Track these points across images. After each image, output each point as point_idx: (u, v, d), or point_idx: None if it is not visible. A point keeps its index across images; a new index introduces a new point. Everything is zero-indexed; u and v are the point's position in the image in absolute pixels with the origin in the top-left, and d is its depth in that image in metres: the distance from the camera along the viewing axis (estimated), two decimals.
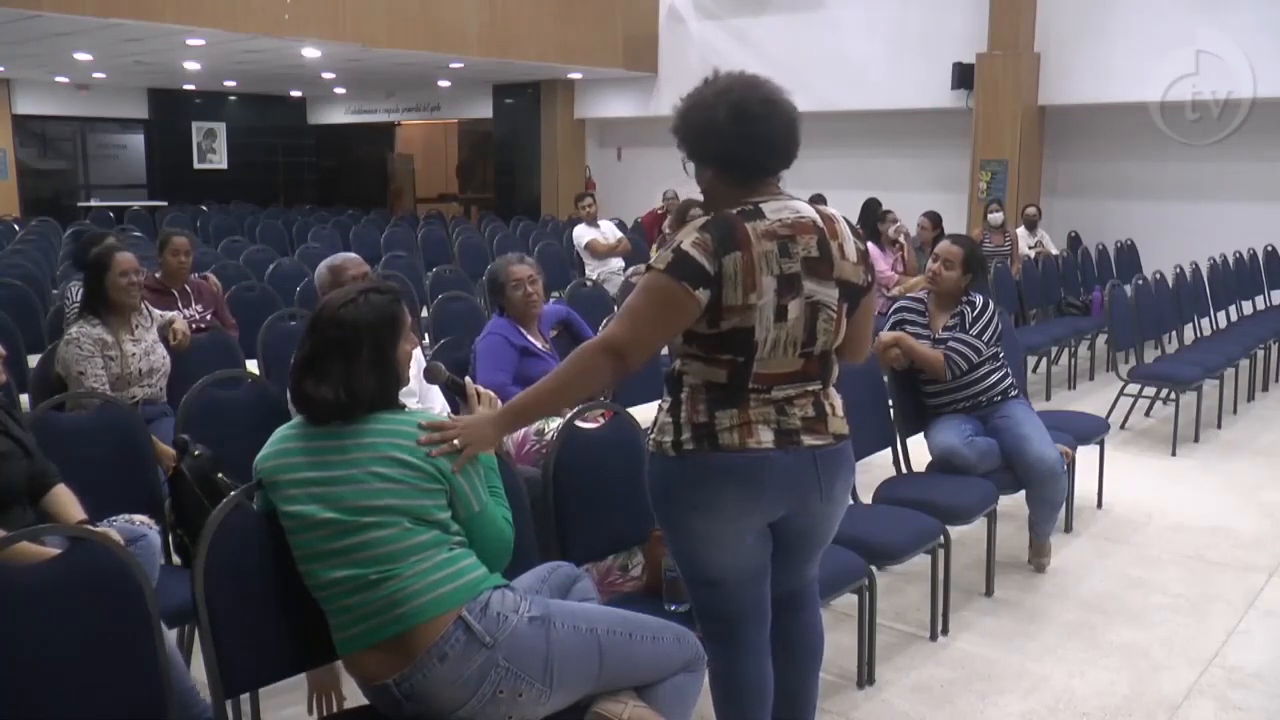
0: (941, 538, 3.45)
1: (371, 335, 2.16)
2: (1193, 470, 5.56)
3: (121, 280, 3.99)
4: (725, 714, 2.40)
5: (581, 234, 8.60)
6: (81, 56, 12.90)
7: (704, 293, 2.10)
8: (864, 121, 11.45)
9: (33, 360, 4.50)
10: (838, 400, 2.31)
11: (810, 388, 2.25)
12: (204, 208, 14.55)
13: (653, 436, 2.28)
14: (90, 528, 2.40)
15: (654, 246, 8.63)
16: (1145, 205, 10.79)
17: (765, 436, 2.19)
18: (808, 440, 2.23)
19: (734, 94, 2.18)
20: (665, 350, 2.35)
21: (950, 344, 3.99)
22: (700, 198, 2.39)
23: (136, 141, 18.56)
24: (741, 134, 2.17)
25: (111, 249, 4.14)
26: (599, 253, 8.49)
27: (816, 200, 2.32)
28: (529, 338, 3.98)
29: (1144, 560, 4.27)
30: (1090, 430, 4.68)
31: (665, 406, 2.26)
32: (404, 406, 2.21)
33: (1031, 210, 9.92)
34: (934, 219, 8.68)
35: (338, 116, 19.56)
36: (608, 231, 8.81)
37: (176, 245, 5.15)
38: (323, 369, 2.13)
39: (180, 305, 5.03)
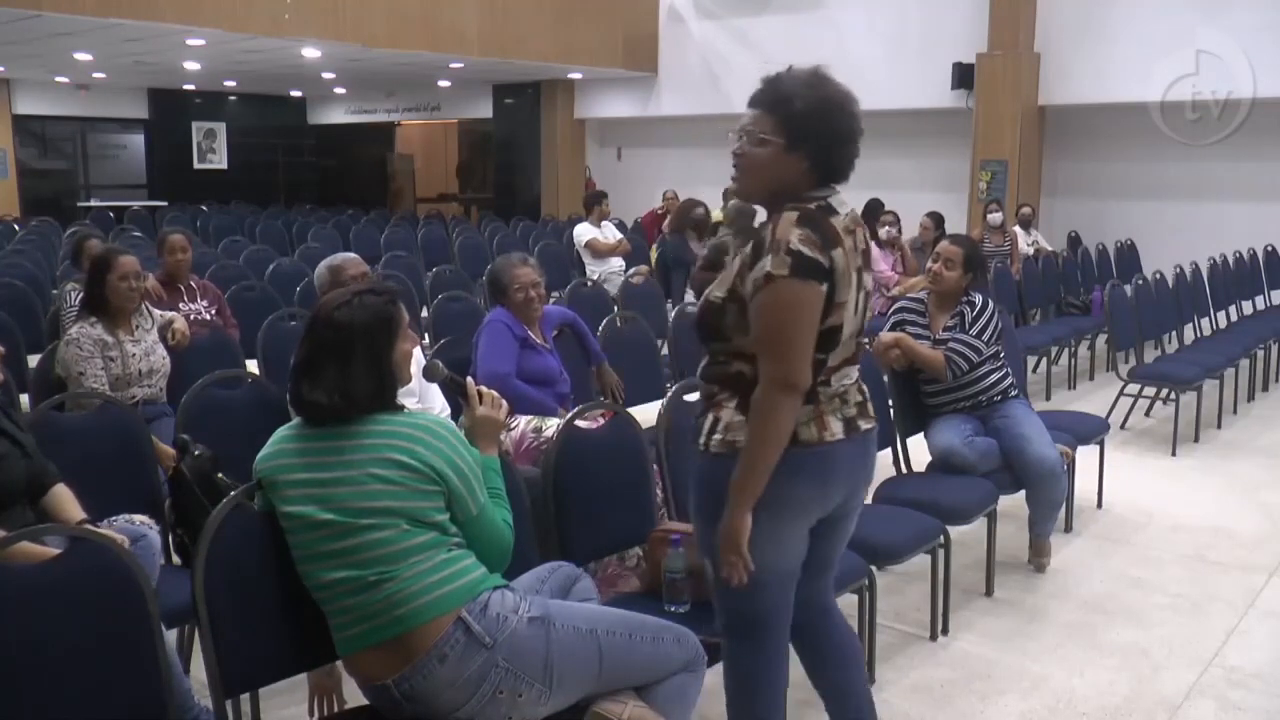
0: (941, 538, 3.45)
1: (366, 337, 2.14)
2: (1193, 470, 5.56)
3: (121, 284, 3.98)
4: (741, 710, 2.38)
5: (582, 233, 8.61)
6: (81, 56, 12.90)
7: (825, 287, 2.09)
8: (864, 121, 11.40)
9: (33, 360, 4.50)
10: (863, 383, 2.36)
11: (855, 373, 2.28)
12: (204, 208, 14.52)
13: (719, 438, 2.20)
14: (91, 528, 2.41)
15: (653, 247, 8.63)
16: (1145, 205, 10.79)
17: (836, 428, 2.20)
18: (863, 425, 2.27)
19: (854, 105, 2.19)
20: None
21: (950, 344, 3.99)
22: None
23: (136, 141, 18.56)
24: (855, 151, 2.19)
25: (115, 251, 4.15)
26: (599, 252, 8.50)
27: None
28: (528, 332, 3.98)
29: (1144, 560, 4.27)
30: (1090, 430, 4.68)
31: (733, 406, 2.20)
32: (403, 408, 2.21)
33: (1026, 210, 9.97)
34: (936, 219, 8.69)
35: (338, 116, 19.56)
36: (608, 232, 8.82)
37: (173, 244, 5.20)
38: (318, 372, 2.13)
39: (186, 299, 5.08)
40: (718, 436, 2.21)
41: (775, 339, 2.09)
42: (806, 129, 2.14)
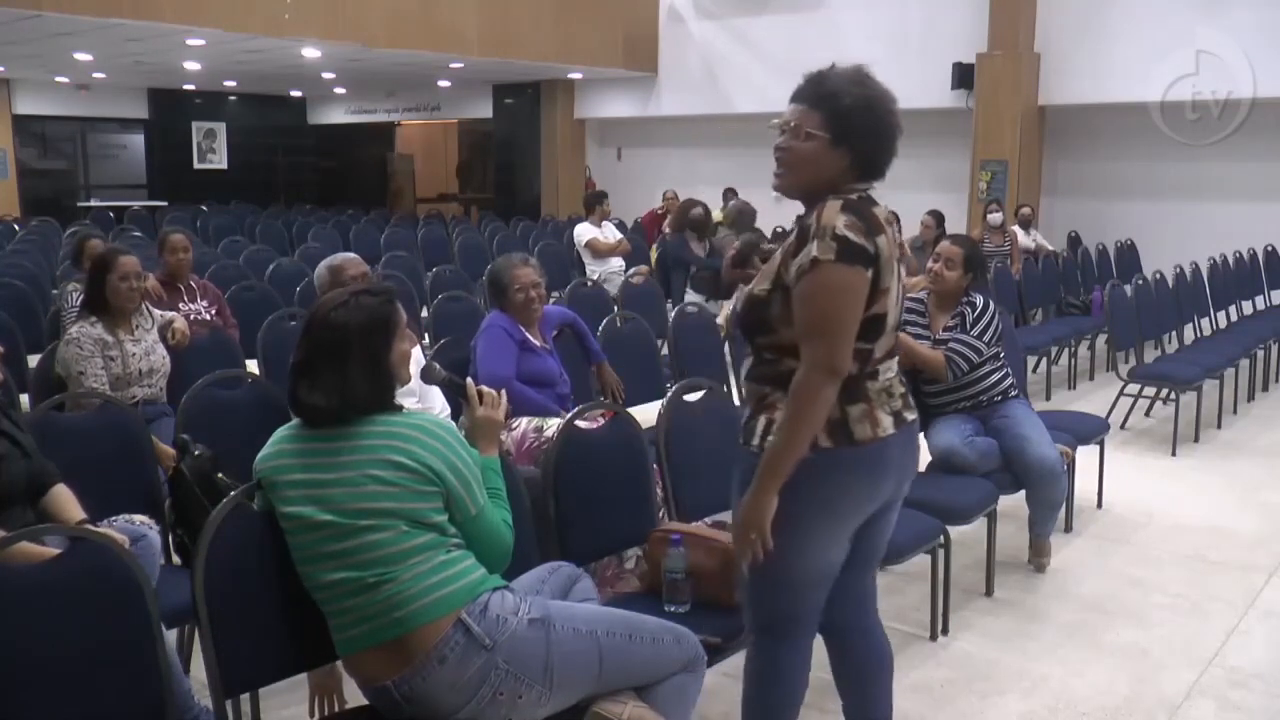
0: (941, 538, 3.45)
1: (362, 338, 2.13)
2: (1193, 470, 5.56)
3: (121, 284, 3.98)
4: (756, 707, 2.39)
5: (583, 233, 8.62)
6: (81, 56, 12.90)
7: (870, 272, 2.10)
8: None
9: (33, 360, 4.50)
10: None
11: (895, 365, 2.29)
12: (204, 208, 14.53)
13: (774, 437, 2.16)
14: (91, 528, 2.41)
15: (653, 247, 8.63)
16: (1145, 205, 10.80)
17: (886, 423, 2.21)
18: (908, 416, 2.28)
19: (895, 104, 2.19)
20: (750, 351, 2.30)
21: (951, 345, 3.99)
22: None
23: (136, 141, 18.56)
24: (895, 148, 2.20)
25: (116, 251, 4.15)
26: (599, 252, 8.51)
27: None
28: (527, 335, 3.98)
29: (1144, 560, 4.27)
30: (1090, 430, 4.68)
31: (785, 404, 2.14)
32: (400, 408, 2.20)
33: (1026, 210, 10.01)
34: (938, 218, 8.72)
35: (338, 116, 19.57)
36: (608, 232, 8.84)
37: (174, 243, 5.20)
38: (315, 374, 2.12)
39: (186, 299, 5.08)
40: (773, 439, 2.17)
41: (819, 323, 2.09)
42: (852, 125, 2.15)
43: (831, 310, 2.08)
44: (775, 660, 2.35)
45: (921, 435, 4.01)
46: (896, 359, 2.30)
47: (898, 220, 8.55)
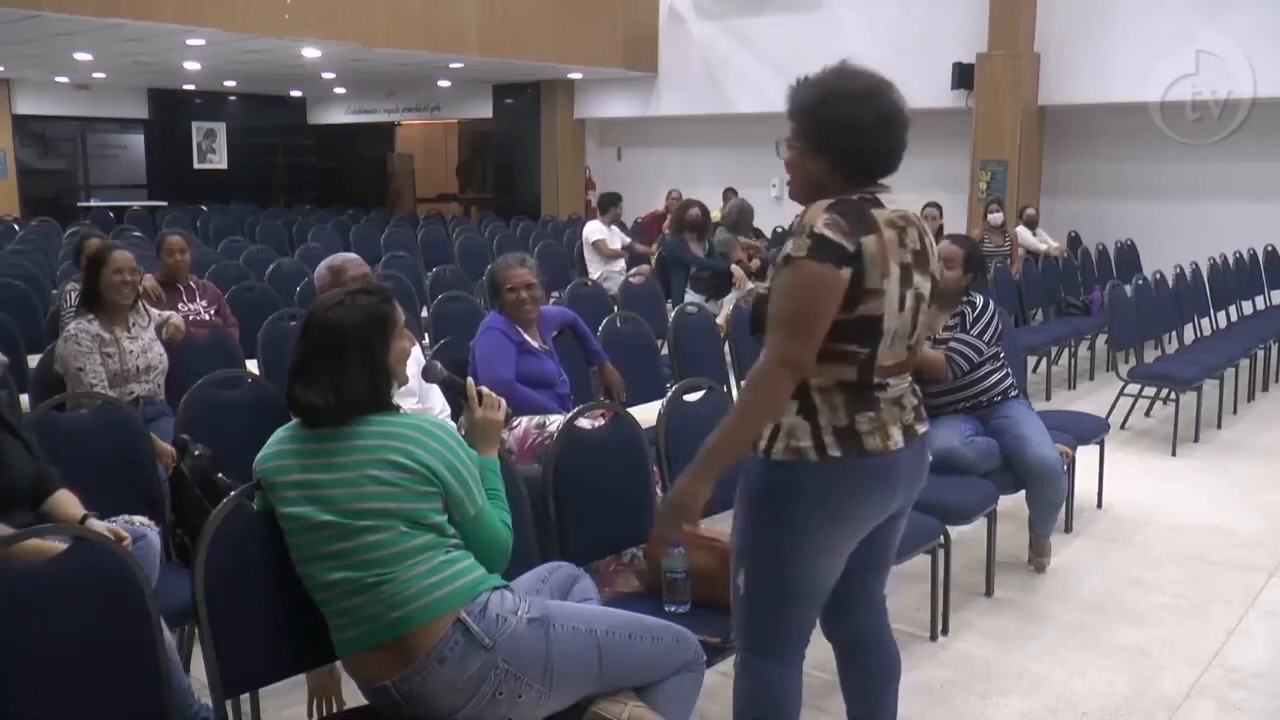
0: (941, 538, 3.45)
1: (359, 337, 2.13)
2: (1193, 470, 5.56)
3: (115, 278, 4.00)
4: None
5: (592, 231, 8.65)
6: (81, 56, 12.90)
7: (847, 271, 2.06)
8: None
9: (33, 360, 4.50)
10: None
11: (908, 379, 2.27)
12: (204, 208, 14.53)
13: (781, 445, 2.14)
14: (96, 521, 2.40)
15: (653, 246, 8.64)
16: (1145, 205, 10.80)
17: (898, 436, 2.19)
18: (920, 429, 2.27)
19: (882, 99, 2.13)
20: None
21: (951, 344, 3.99)
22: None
23: (136, 141, 18.55)
24: (883, 139, 2.14)
25: (110, 247, 4.18)
26: (605, 253, 8.56)
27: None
28: (525, 336, 3.98)
29: (1144, 560, 4.27)
30: (1090, 430, 4.68)
31: (793, 410, 2.13)
32: (398, 408, 2.20)
33: (1030, 211, 10.01)
34: (939, 209, 8.85)
35: (338, 116, 19.56)
36: (615, 235, 8.86)
37: (170, 245, 5.20)
38: (312, 373, 2.12)
39: (185, 299, 5.08)
40: (780, 444, 2.14)
41: (784, 317, 2.07)
42: (816, 127, 2.15)
43: (798, 306, 2.06)
44: (768, 681, 2.29)
45: None
46: (910, 376, 2.26)
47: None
